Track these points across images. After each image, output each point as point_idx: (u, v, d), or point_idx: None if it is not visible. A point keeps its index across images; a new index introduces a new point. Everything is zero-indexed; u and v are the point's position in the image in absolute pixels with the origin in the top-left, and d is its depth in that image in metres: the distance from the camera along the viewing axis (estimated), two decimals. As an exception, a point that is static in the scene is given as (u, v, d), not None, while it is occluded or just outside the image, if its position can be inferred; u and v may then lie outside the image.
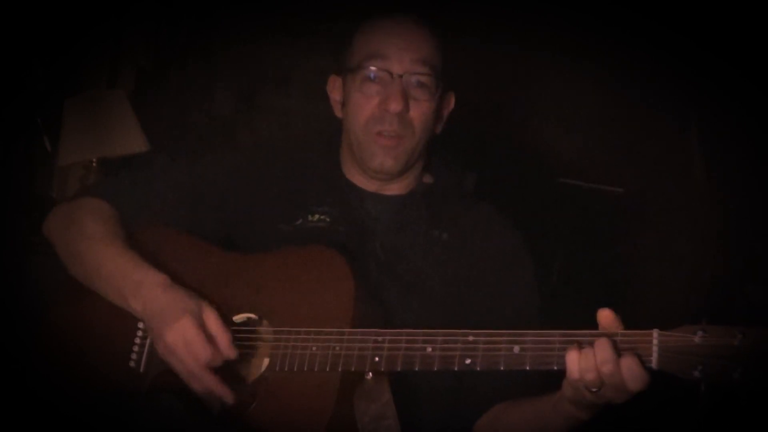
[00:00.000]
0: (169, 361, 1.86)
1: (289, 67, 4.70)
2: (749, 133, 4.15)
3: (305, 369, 1.79)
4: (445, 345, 1.70)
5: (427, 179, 2.26)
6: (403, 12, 2.15)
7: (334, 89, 2.21)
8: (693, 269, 4.32)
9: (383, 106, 2.06)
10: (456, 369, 1.68)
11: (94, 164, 4.11)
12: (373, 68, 2.07)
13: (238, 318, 1.95)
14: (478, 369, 1.67)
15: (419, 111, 2.09)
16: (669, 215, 4.52)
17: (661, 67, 4.42)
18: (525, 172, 4.40)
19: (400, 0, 2.53)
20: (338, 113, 2.21)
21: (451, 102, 2.23)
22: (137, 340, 1.98)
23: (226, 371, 1.87)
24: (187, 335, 1.82)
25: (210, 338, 1.83)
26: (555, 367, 1.62)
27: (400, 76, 2.06)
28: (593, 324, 1.63)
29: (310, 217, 2.13)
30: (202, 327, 1.83)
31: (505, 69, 4.47)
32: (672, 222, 4.50)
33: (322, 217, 2.13)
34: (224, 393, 1.81)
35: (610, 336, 1.58)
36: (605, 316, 1.61)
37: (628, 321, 1.62)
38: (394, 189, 2.20)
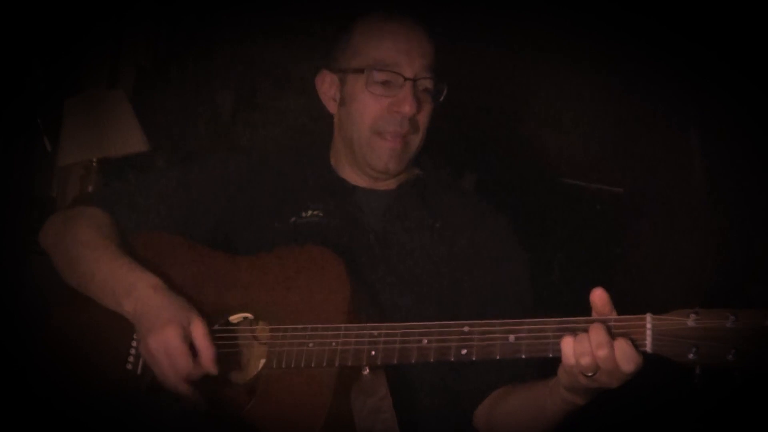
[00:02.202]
0: (150, 365, 1.87)
1: (289, 67, 4.71)
2: (749, 134, 4.15)
3: (302, 366, 1.79)
4: (441, 336, 1.70)
5: (416, 171, 2.27)
6: (404, 14, 2.17)
7: (326, 84, 2.22)
8: (693, 269, 4.32)
9: (394, 108, 2.09)
10: (452, 360, 1.68)
11: (94, 164, 4.11)
12: (385, 72, 2.09)
13: (235, 318, 1.95)
14: (474, 359, 1.67)
15: (425, 112, 2.13)
16: (669, 215, 4.52)
17: (662, 67, 4.42)
18: (525, 173, 4.40)
19: (403, 1, 2.54)
20: (331, 109, 2.23)
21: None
22: (134, 343, 1.97)
23: (223, 371, 1.87)
24: (169, 344, 1.81)
25: (194, 350, 1.83)
26: (550, 354, 1.62)
27: (413, 80, 2.09)
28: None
29: (303, 214, 2.15)
30: (188, 338, 1.83)
31: (506, 69, 4.48)
32: (672, 222, 4.50)
33: (315, 213, 2.15)
34: (197, 404, 1.83)
35: (604, 321, 1.59)
36: (598, 296, 1.61)
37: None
38: (386, 183, 2.22)
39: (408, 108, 2.08)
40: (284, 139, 4.50)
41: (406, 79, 2.09)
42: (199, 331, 1.84)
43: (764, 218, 4.13)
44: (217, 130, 4.72)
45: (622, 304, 1.63)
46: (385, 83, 2.10)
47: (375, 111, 2.11)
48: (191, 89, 4.71)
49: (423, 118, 2.13)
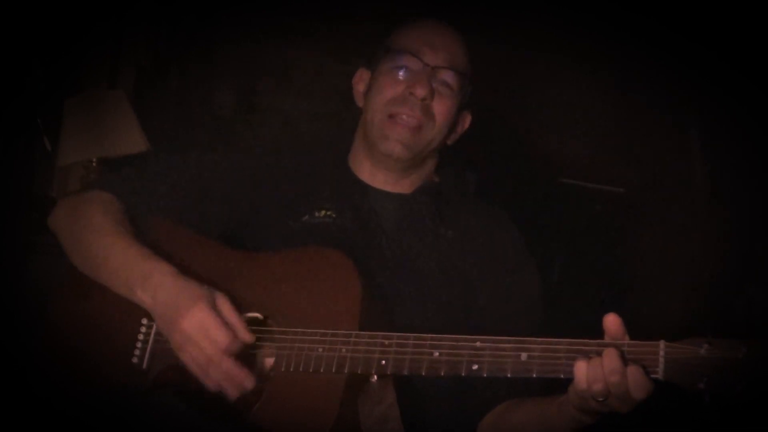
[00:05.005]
0: (183, 352, 1.84)
1: (289, 67, 4.71)
2: (749, 133, 4.15)
3: (311, 370, 1.78)
4: (453, 350, 1.71)
5: (434, 178, 2.29)
6: (446, 18, 2.23)
7: (360, 81, 2.29)
8: (693, 269, 4.32)
9: (409, 90, 2.12)
10: (463, 374, 1.69)
11: (94, 164, 4.11)
12: (406, 56, 2.15)
13: (244, 317, 1.94)
14: (485, 375, 1.68)
15: (443, 104, 2.15)
16: (669, 215, 4.53)
17: (661, 67, 4.42)
18: (526, 173, 4.41)
19: (403, 1, 2.55)
20: (359, 102, 2.27)
21: (467, 121, 2.28)
22: (140, 336, 1.96)
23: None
24: (204, 321, 1.80)
25: (226, 324, 1.82)
26: (562, 376, 1.63)
27: (431, 67, 2.13)
28: (593, 322, 1.65)
29: (316, 213, 2.15)
30: (218, 313, 1.83)
31: (506, 70, 4.47)
32: (672, 222, 4.50)
33: (328, 213, 2.15)
34: (245, 377, 1.80)
35: (617, 346, 1.59)
36: (611, 321, 1.62)
37: (629, 321, 1.62)
38: (402, 186, 2.23)
39: (420, 90, 2.10)
40: (285, 140, 4.50)
41: (425, 65, 2.13)
42: (225, 305, 1.85)
43: (764, 218, 4.13)
44: (217, 130, 4.71)
45: (622, 305, 1.64)
46: (406, 68, 2.15)
47: (392, 92, 2.15)
48: (191, 89, 4.71)
49: (439, 110, 2.14)
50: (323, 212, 2.15)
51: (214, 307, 1.83)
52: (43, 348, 2.05)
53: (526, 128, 4.66)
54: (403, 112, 2.13)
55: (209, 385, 1.82)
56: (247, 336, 1.83)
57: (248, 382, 1.80)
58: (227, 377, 1.80)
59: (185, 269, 1.95)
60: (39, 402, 1.90)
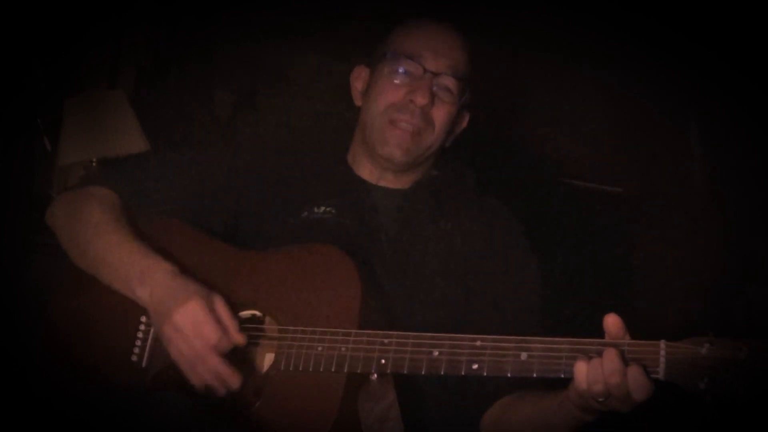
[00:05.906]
0: (173, 345, 1.84)
1: (289, 67, 4.71)
2: (749, 133, 4.15)
3: (311, 369, 1.79)
4: (452, 350, 1.71)
5: (433, 172, 2.29)
6: (447, 18, 2.22)
7: (358, 78, 2.29)
8: (693, 269, 4.32)
9: (409, 97, 2.12)
10: (463, 373, 1.69)
11: (94, 164, 4.11)
12: (407, 60, 2.13)
13: (243, 314, 1.94)
14: (485, 375, 1.68)
15: (442, 111, 2.15)
16: (669, 215, 4.52)
17: (661, 67, 4.42)
18: (525, 172, 4.40)
19: (403, 0, 2.55)
20: (357, 102, 2.28)
21: (465, 121, 2.27)
22: (140, 335, 1.97)
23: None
24: (196, 315, 1.81)
25: (219, 323, 1.83)
26: (562, 375, 1.63)
27: (433, 74, 2.12)
28: (592, 321, 1.65)
29: (316, 209, 2.16)
30: (212, 311, 1.83)
31: (505, 69, 4.48)
32: (672, 222, 4.50)
33: (328, 209, 2.15)
34: (230, 376, 1.80)
35: (617, 346, 1.59)
36: (612, 322, 1.62)
37: (628, 321, 1.63)
38: (400, 182, 2.23)
39: (420, 98, 2.10)
40: (285, 140, 4.50)
41: (426, 71, 2.11)
42: (220, 304, 1.85)
43: (764, 218, 4.13)
44: (217, 130, 4.71)
45: (622, 305, 1.64)
46: (406, 73, 2.14)
47: (391, 97, 2.14)
48: (191, 89, 4.71)
49: (439, 116, 2.14)
50: (323, 208, 2.15)
51: (209, 305, 1.83)
52: (42, 347, 2.05)
53: (526, 128, 4.66)
54: (403, 119, 2.13)
55: (195, 381, 1.82)
56: (237, 337, 1.83)
57: (234, 381, 1.80)
58: (214, 375, 1.81)
59: (184, 266, 1.95)
60: (39, 401, 1.90)
